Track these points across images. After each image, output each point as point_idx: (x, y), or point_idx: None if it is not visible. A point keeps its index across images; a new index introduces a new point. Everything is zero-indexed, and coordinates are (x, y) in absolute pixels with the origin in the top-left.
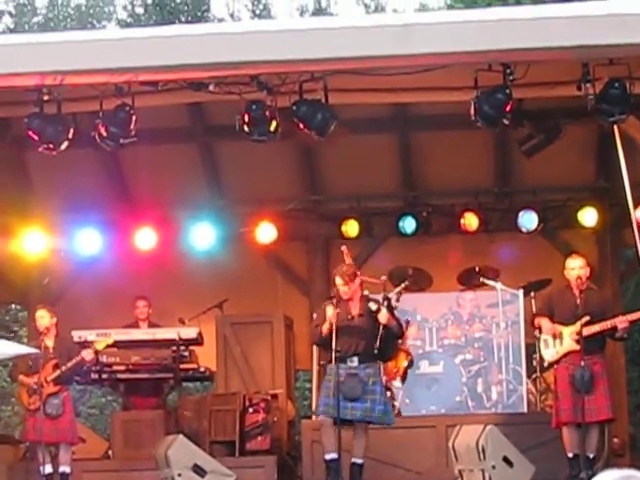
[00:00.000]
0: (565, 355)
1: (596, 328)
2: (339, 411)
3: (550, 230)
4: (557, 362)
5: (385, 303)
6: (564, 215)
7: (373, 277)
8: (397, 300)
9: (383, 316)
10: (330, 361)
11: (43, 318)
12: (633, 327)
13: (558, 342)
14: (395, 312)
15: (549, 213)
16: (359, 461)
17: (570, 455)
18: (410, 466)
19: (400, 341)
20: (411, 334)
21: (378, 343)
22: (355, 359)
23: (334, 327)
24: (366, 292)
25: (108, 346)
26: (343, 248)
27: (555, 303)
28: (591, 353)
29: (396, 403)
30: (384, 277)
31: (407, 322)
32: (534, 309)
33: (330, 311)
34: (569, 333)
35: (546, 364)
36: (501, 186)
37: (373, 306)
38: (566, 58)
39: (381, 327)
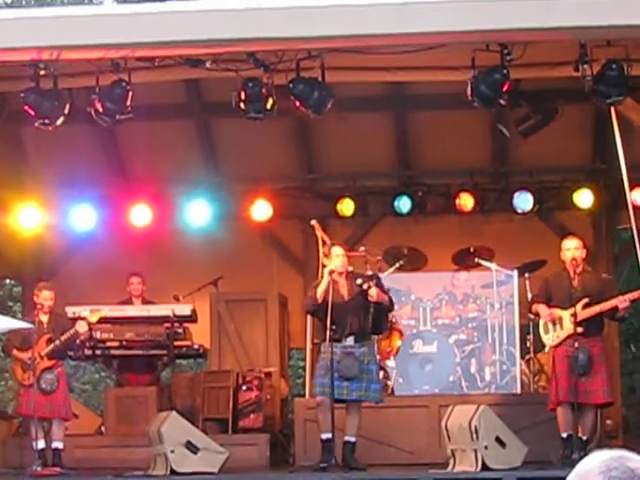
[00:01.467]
0: (565, 339)
1: (596, 309)
2: (334, 390)
3: (545, 211)
4: (557, 345)
5: (374, 280)
6: (559, 196)
7: (353, 251)
8: (378, 263)
9: (373, 293)
10: (324, 339)
11: (50, 299)
12: (632, 308)
13: (558, 326)
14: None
15: (544, 194)
16: (352, 439)
17: (564, 435)
18: (403, 445)
19: (394, 320)
20: (405, 313)
21: (371, 320)
22: (350, 338)
23: (330, 298)
24: (350, 268)
25: (102, 321)
26: (313, 222)
27: (552, 287)
28: (590, 336)
29: (390, 382)
30: (363, 248)
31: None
32: (528, 290)
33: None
34: (568, 316)
35: (547, 349)
36: (497, 167)
37: (362, 283)
38: (564, 39)
39: (372, 306)
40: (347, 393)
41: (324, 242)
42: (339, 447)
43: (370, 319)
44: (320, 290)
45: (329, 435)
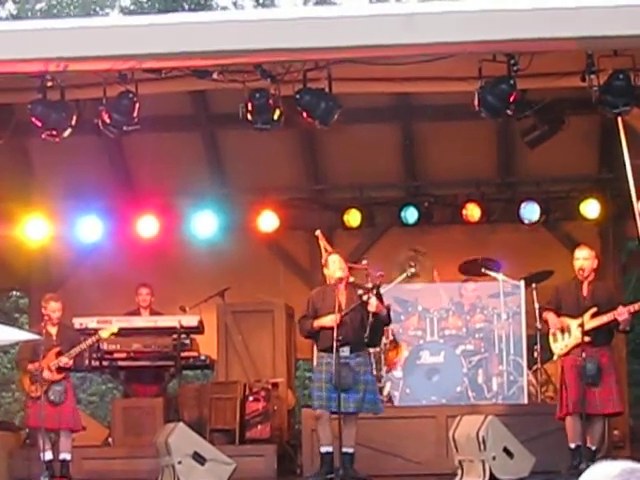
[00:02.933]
0: (573, 348)
1: (603, 319)
2: (333, 402)
3: (552, 222)
4: (566, 354)
5: (374, 291)
6: (566, 207)
7: (356, 262)
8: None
9: (372, 304)
10: (322, 350)
11: (58, 310)
12: (635, 319)
13: (566, 335)
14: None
15: (551, 204)
16: (350, 450)
17: (572, 446)
18: (410, 456)
19: (401, 330)
20: (412, 324)
21: (368, 332)
22: (346, 349)
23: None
24: (352, 279)
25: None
26: (317, 232)
27: (562, 296)
28: (599, 345)
29: (396, 393)
30: (365, 261)
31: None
32: (535, 300)
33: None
34: (576, 326)
35: (555, 357)
36: (504, 177)
37: (362, 294)
38: (571, 49)
39: (371, 316)
40: (344, 405)
41: (327, 252)
42: (337, 458)
43: (368, 330)
44: (319, 324)
45: (329, 448)
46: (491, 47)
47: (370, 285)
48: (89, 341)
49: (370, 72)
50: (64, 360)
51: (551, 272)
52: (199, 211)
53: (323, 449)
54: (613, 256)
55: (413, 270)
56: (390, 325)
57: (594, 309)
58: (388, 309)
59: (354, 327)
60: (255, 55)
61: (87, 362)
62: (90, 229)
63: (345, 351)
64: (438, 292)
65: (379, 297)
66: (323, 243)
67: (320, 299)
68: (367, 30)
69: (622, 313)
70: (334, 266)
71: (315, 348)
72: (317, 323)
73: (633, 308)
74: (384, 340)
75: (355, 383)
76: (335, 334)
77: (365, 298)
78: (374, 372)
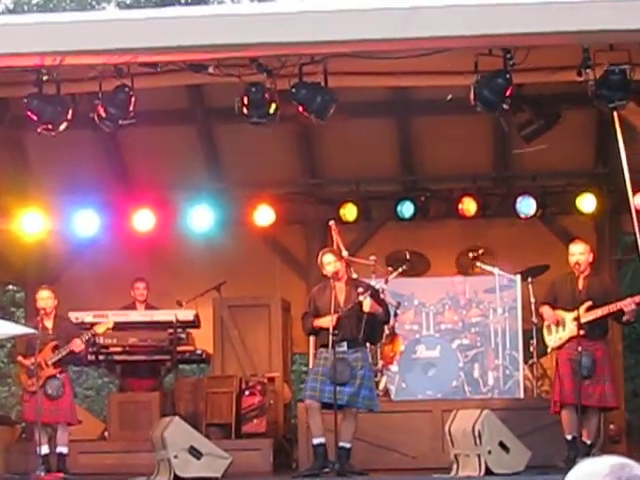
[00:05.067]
0: (568, 341)
1: (599, 312)
2: (326, 394)
3: (548, 216)
4: (560, 348)
5: (369, 291)
6: (562, 201)
7: (363, 258)
8: (386, 282)
9: (367, 305)
10: (321, 345)
11: (48, 299)
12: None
13: (561, 328)
14: (383, 296)
15: (547, 199)
16: (347, 445)
17: (569, 437)
18: (406, 450)
19: (397, 325)
20: (408, 318)
21: (362, 329)
22: (344, 344)
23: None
24: (354, 275)
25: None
26: (331, 223)
27: (558, 290)
28: (594, 339)
29: (392, 387)
30: (373, 257)
31: (398, 303)
32: (531, 295)
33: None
34: (571, 319)
35: (549, 350)
36: (500, 171)
37: (361, 297)
38: (567, 43)
39: (365, 316)
40: (338, 398)
41: (337, 245)
42: (332, 451)
43: (362, 330)
44: (317, 324)
45: (321, 440)
46: (487, 41)
47: (365, 285)
48: (72, 346)
49: (366, 66)
50: (77, 343)
51: (547, 266)
52: (195, 205)
53: (315, 440)
54: (609, 250)
55: (404, 267)
56: (389, 323)
57: (589, 303)
58: (386, 307)
59: (351, 324)
60: (251, 49)
61: (84, 356)
62: (86, 223)
63: (343, 346)
64: (434, 286)
65: (375, 296)
66: (336, 235)
67: (320, 296)
68: (363, 24)
69: (629, 304)
70: (329, 267)
71: (313, 343)
72: (316, 323)
73: (638, 299)
74: None
75: (352, 378)
76: (331, 330)
77: (361, 299)
78: (372, 368)
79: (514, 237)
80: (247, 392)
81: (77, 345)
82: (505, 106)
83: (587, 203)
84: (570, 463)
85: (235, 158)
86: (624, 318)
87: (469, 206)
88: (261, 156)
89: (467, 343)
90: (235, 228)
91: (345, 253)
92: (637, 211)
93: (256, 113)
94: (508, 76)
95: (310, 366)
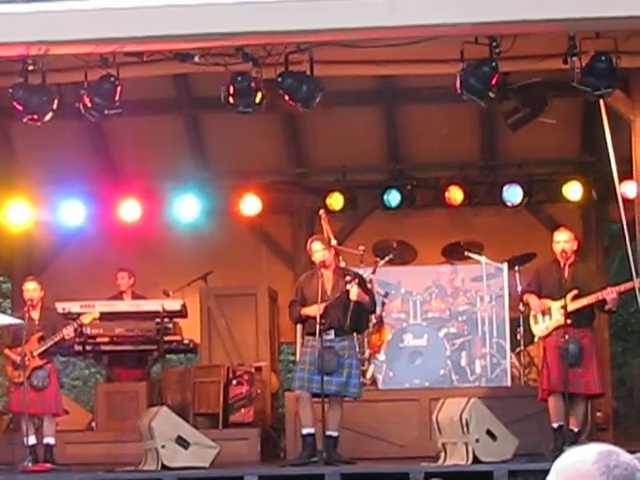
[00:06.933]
0: (554, 329)
1: (584, 301)
2: (314, 384)
3: (535, 204)
4: (547, 336)
5: (357, 280)
6: (549, 189)
7: (352, 247)
8: (373, 272)
9: (354, 294)
10: (308, 333)
11: (34, 290)
12: (620, 301)
13: (547, 317)
14: (370, 286)
15: (534, 187)
16: (334, 434)
17: (555, 426)
18: (393, 439)
19: (384, 314)
20: (395, 307)
21: (349, 318)
22: (331, 332)
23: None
24: (343, 264)
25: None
26: (321, 212)
27: (542, 278)
28: (580, 327)
29: (379, 376)
30: (362, 247)
31: (386, 293)
32: (518, 283)
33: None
34: (557, 308)
35: (536, 339)
36: (486, 160)
37: (348, 285)
38: (553, 31)
39: (352, 304)
40: (327, 388)
41: (327, 233)
42: (320, 440)
43: (348, 319)
44: (305, 312)
45: (311, 430)
46: (473, 30)
47: (353, 274)
48: (64, 332)
49: (352, 55)
50: (68, 329)
51: (534, 254)
52: (181, 195)
53: (304, 430)
54: (595, 238)
55: (391, 255)
56: (375, 312)
57: (575, 291)
58: (372, 296)
59: (338, 313)
60: (237, 38)
61: (70, 346)
62: (72, 213)
63: (330, 334)
64: (421, 275)
65: (363, 285)
66: (326, 225)
67: (307, 285)
68: (349, 13)
69: (611, 292)
70: (317, 255)
71: (299, 332)
72: (303, 311)
73: (623, 287)
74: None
75: (339, 367)
76: (318, 319)
77: (348, 287)
78: (359, 356)
79: (501, 225)
80: (234, 382)
81: (67, 332)
82: (491, 94)
83: (573, 191)
84: (557, 452)
85: (221, 147)
86: (606, 307)
87: (456, 195)
88: (247, 145)
89: (454, 332)
90: (221, 217)
91: (334, 242)
92: (624, 199)
93: (242, 102)
94: (494, 64)
95: (297, 355)
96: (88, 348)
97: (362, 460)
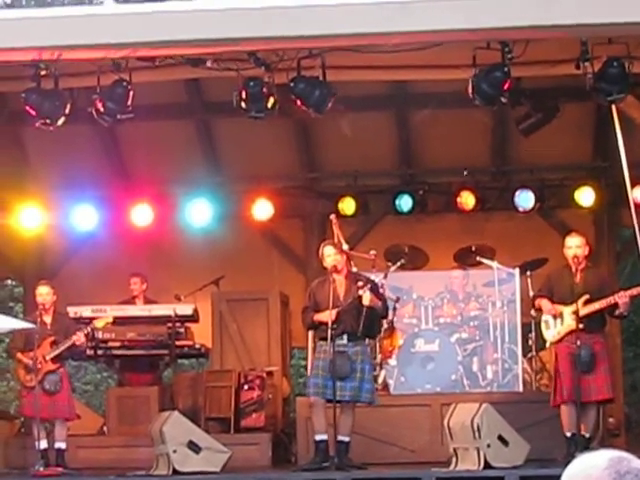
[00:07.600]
0: (566, 335)
1: (596, 306)
2: (329, 390)
3: (547, 209)
4: (559, 342)
5: (369, 285)
6: (561, 194)
7: (363, 252)
8: (385, 277)
9: (366, 299)
10: (321, 339)
11: (47, 295)
12: (632, 305)
13: (559, 322)
14: (382, 291)
15: (546, 192)
16: (346, 439)
17: (568, 434)
18: (405, 444)
19: (395, 319)
20: (407, 312)
21: (362, 323)
22: (344, 337)
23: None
24: (354, 269)
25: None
26: (332, 217)
27: (554, 283)
28: (592, 332)
29: (391, 381)
30: (374, 252)
31: (398, 298)
32: (530, 288)
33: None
34: (569, 313)
35: (548, 344)
36: (498, 165)
37: (360, 290)
38: (565, 36)
39: (365, 309)
40: (340, 393)
41: (338, 238)
42: (331, 445)
43: (361, 324)
44: (317, 318)
45: (324, 437)
46: (485, 35)
47: (365, 279)
48: (74, 338)
49: (364, 60)
50: (79, 335)
51: (546, 260)
52: (194, 200)
53: (317, 437)
54: (607, 244)
55: (403, 261)
56: (387, 317)
57: (586, 296)
58: (385, 302)
59: (351, 318)
60: (249, 43)
61: (83, 351)
62: (85, 218)
63: (343, 339)
64: (433, 280)
65: (374, 290)
66: (337, 230)
67: (320, 290)
68: (362, 18)
69: (623, 296)
70: (329, 260)
71: (311, 337)
72: (316, 317)
73: (636, 291)
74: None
75: (352, 372)
76: (330, 324)
77: (360, 292)
78: (372, 362)
79: (513, 231)
80: (246, 386)
81: (79, 338)
82: (503, 100)
83: (586, 196)
84: (569, 458)
85: (233, 152)
86: (617, 312)
87: (467, 200)
88: (259, 150)
89: (466, 337)
90: (233, 222)
91: (345, 246)
92: (636, 205)
93: (254, 107)
94: (506, 69)
95: (309, 360)
96: (100, 352)
97: (373, 465)
